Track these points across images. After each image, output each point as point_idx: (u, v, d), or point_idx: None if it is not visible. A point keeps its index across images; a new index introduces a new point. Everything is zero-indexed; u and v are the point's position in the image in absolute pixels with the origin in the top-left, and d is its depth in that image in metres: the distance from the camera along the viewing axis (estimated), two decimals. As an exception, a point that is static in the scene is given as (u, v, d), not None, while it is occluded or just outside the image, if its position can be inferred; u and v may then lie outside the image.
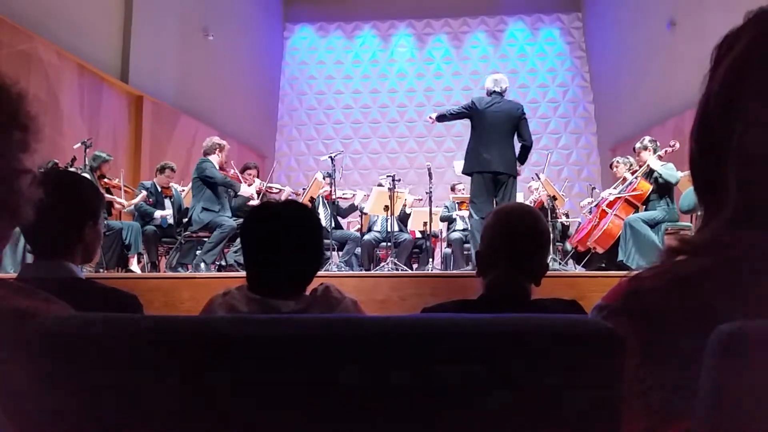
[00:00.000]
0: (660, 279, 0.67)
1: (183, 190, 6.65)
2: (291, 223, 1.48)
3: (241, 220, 5.58)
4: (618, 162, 6.12)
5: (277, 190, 6.67)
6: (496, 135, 5.29)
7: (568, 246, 6.75)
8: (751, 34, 0.67)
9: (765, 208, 0.64)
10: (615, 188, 5.97)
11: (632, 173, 5.75)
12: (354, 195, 7.42)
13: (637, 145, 5.60)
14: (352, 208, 7.45)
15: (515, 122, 5.30)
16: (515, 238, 1.61)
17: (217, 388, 0.60)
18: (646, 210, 5.36)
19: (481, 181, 5.29)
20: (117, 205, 6.01)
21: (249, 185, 6.27)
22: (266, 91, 12.30)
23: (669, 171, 5.23)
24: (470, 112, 5.39)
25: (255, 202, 6.11)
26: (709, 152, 0.70)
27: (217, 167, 5.82)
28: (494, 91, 5.41)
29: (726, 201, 0.66)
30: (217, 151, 5.88)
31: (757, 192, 0.64)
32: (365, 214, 7.09)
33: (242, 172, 6.52)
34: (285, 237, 1.46)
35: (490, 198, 5.29)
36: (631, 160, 6.05)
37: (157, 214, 6.22)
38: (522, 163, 5.41)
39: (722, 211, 0.66)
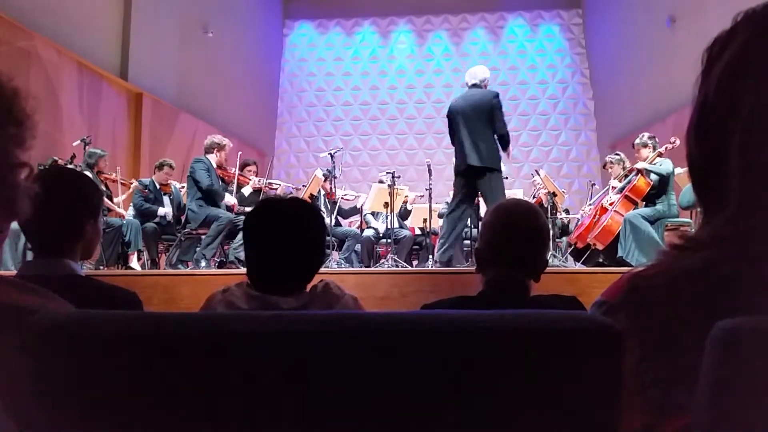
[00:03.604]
0: (660, 275, 0.68)
1: (182, 187, 6.65)
2: (294, 220, 1.48)
3: (241, 217, 5.59)
4: (611, 162, 6.10)
5: (277, 186, 6.67)
6: (469, 127, 5.10)
7: (568, 242, 6.75)
8: (745, 33, 0.67)
9: (766, 206, 0.64)
10: (613, 189, 5.97)
11: (628, 172, 5.74)
12: (357, 197, 7.42)
13: (637, 141, 5.59)
14: (354, 211, 7.46)
15: (486, 111, 5.05)
16: (515, 235, 1.61)
17: (217, 385, 0.60)
18: (645, 206, 5.36)
19: (457, 178, 5.15)
20: (118, 211, 6.01)
21: (247, 182, 6.28)
22: (266, 88, 12.29)
23: (659, 167, 5.21)
24: (449, 116, 5.25)
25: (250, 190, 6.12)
26: (708, 152, 0.70)
27: (215, 166, 5.81)
28: (473, 84, 5.23)
29: (726, 199, 0.66)
30: (215, 151, 5.86)
31: (759, 190, 0.64)
32: (365, 215, 7.12)
33: (241, 169, 6.52)
34: (288, 234, 1.46)
35: (464, 196, 5.14)
36: (623, 156, 6.04)
37: (161, 211, 6.23)
38: (504, 150, 5.14)
39: (723, 209, 0.67)
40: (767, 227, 0.64)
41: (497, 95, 5.14)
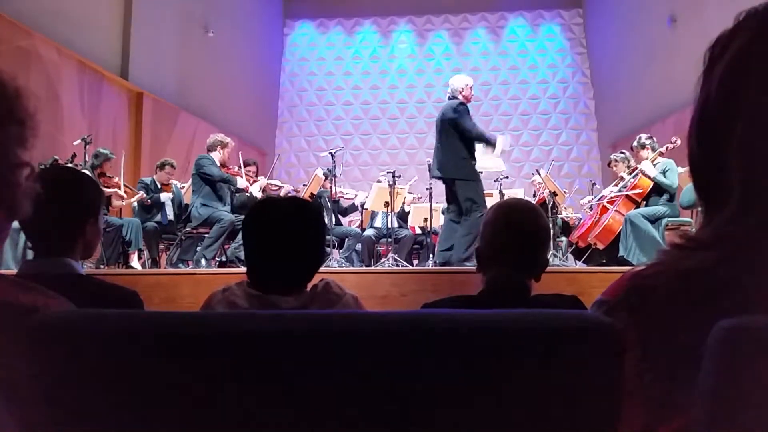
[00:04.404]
0: (661, 275, 0.68)
1: (183, 187, 6.65)
2: (294, 219, 1.48)
3: (242, 217, 5.59)
4: (617, 160, 6.11)
5: (277, 187, 6.67)
6: (437, 139, 5.35)
7: (569, 241, 6.74)
8: (747, 33, 0.67)
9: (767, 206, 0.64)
10: (615, 185, 5.97)
11: (631, 171, 5.75)
12: (356, 195, 7.43)
13: (634, 144, 5.59)
14: (354, 208, 7.47)
15: (447, 122, 5.19)
16: (516, 234, 1.61)
17: (217, 384, 0.60)
18: (646, 206, 5.36)
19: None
20: (116, 202, 6.00)
21: (251, 183, 6.29)
22: (266, 87, 12.29)
23: (667, 179, 5.22)
24: None
25: (258, 194, 6.12)
26: (709, 151, 0.70)
27: (218, 164, 5.82)
28: (450, 96, 5.39)
29: (727, 199, 0.66)
30: (219, 148, 5.88)
31: (761, 189, 0.64)
32: (366, 209, 7.10)
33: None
34: (287, 233, 1.46)
35: (451, 204, 5.35)
36: (628, 155, 6.04)
37: (164, 197, 6.24)
38: (490, 147, 5.25)
39: (724, 209, 0.67)
40: (767, 226, 0.64)
41: (459, 104, 5.22)
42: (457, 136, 5.17)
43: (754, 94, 0.65)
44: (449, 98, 5.37)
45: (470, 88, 5.38)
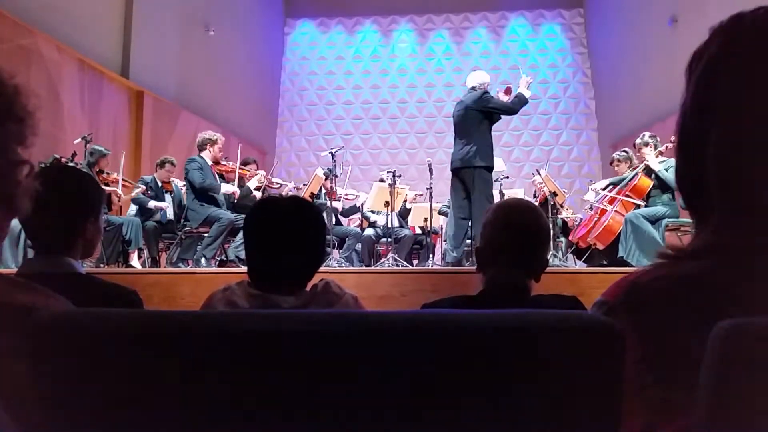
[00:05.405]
0: (661, 276, 0.68)
1: (183, 185, 6.64)
2: (294, 218, 1.48)
3: (241, 215, 5.59)
4: (619, 160, 6.09)
5: (278, 185, 6.67)
6: (456, 131, 5.41)
7: (569, 242, 6.74)
8: (716, 46, 0.69)
9: (746, 210, 0.65)
10: (605, 186, 6.00)
11: (632, 170, 5.74)
12: (357, 196, 7.43)
13: (638, 141, 5.58)
14: (354, 209, 7.47)
15: (473, 111, 5.26)
16: (516, 234, 1.61)
17: (217, 384, 0.60)
18: (647, 206, 5.35)
19: (451, 181, 5.46)
20: (115, 198, 5.99)
21: (248, 179, 6.27)
22: (267, 86, 12.29)
23: (669, 174, 5.21)
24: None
25: (257, 193, 6.11)
26: (690, 162, 0.71)
27: (210, 162, 5.79)
28: (471, 88, 5.46)
29: (711, 208, 0.67)
30: (208, 147, 5.84)
31: (737, 200, 0.65)
32: (366, 218, 7.14)
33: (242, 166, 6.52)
34: (288, 232, 1.46)
35: (460, 197, 5.38)
36: (631, 154, 6.02)
37: (151, 204, 6.19)
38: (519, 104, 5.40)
39: (709, 219, 0.68)
40: (750, 232, 0.64)
41: (485, 92, 5.33)
42: (486, 123, 5.27)
43: (723, 104, 0.66)
44: (470, 90, 5.43)
45: (488, 85, 5.51)
